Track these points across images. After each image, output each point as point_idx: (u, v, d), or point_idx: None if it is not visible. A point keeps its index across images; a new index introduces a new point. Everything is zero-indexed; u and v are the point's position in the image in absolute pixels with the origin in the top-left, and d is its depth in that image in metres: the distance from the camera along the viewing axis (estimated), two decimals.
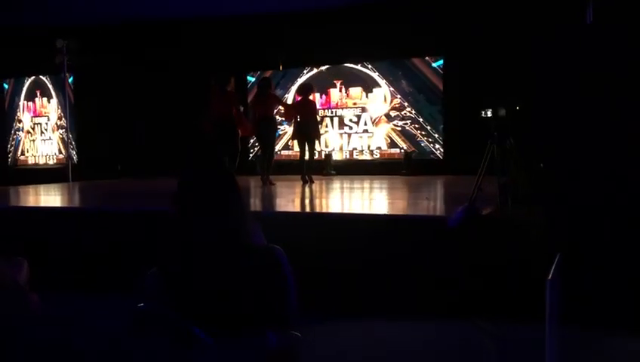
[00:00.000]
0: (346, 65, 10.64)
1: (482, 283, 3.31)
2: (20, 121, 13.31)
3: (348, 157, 10.79)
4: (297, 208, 5.53)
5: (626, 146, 3.41)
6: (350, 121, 10.73)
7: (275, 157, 8.61)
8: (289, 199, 6.41)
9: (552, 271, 0.97)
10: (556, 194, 3.96)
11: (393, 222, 4.19)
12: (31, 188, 8.56)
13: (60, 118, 12.74)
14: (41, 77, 12.93)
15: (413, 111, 10.23)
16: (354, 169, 10.38)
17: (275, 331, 1.67)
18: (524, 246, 3.52)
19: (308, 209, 5.48)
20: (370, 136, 10.62)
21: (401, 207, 5.37)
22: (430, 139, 10.14)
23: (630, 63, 3.51)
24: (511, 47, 8.02)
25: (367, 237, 4.00)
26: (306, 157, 8.19)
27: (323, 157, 10.37)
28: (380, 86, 10.47)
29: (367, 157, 10.66)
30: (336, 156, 10.78)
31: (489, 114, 4.12)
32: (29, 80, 13.10)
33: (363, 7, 9.68)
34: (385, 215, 4.55)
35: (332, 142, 10.86)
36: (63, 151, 12.57)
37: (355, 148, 10.74)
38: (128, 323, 1.74)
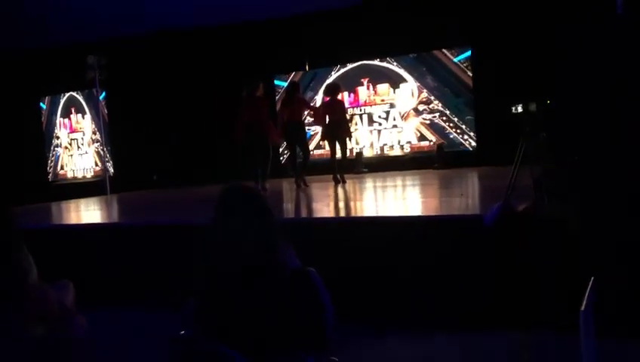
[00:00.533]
0: (372, 62, 10.64)
1: (519, 287, 3.26)
2: (57, 138, 13.78)
3: (379, 153, 10.78)
4: (330, 213, 5.54)
5: None
6: (379, 117, 10.72)
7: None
8: (324, 203, 6.44)
9: (584, 300, 0.95)
10: (591, 189, 3.86)
11: (427, 224, 4.16)
12: (72, 204, 8.81)
13: (94, 133, 13.09)
14: (74, 94, 13.33)
15: (440, 104, 10.20)
16: (385, 165, 10.37)
17: (314, 355, 1.69)
18: (561, 244, 3.46)
19: (342, 213, 5.49)
20: (400, 131, 10.59)
21: (435, 206, 5.33)
22: (458, 131, 10.10)
23: None
24: (540, 38, 7.83)
25: (400, 241, 3.99)
26: (338, 155, 8.20)
27: (354, 155, 10.37)
28: (406, 81, 10.44)
29: (397, 152, 10.63)
30: (367, 153, 10.78)
31: (519, 109, 4.04)
32: (64, 98, 13.53)
33: (388, 3, 9.67)
34: (419, 216, 4.52)
35: (362, 140, 10.86)
36: (100, 164, 12.91)
37: (386, 144, 10.72)
38: (169, 350, 1.79)
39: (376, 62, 10.64)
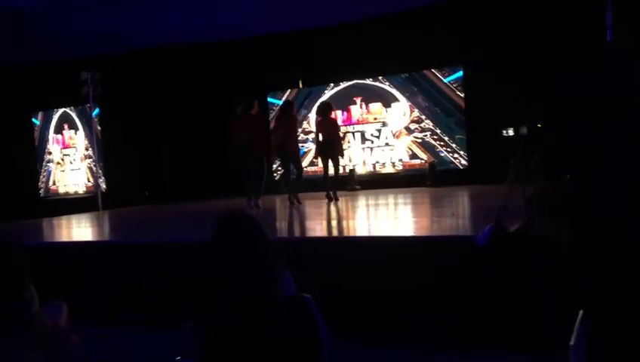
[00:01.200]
0: (364, 82, 10.78)
1: (512, 309, 3.29)
2: (50, 153, 13.75)
3: (371, 170, 10.86)
4: (323, 232, 5.57)
5: None
6: (372, 135, 10.83)
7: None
8: (316, 221, 6.47)
9: (574, 334, 0.97)
10: (582, 207, 3.89)
11: (419, 244, 4.18)
12: (64, 221, 8.77)
13: (87, 149, 13.09)
14: (67, 110, 13.36)
15: (431, 123, 10.34)
16: (378, 182, 10.44)
17: None
18: (554, 264, 3.49)
19: (335, 232, 5.52)
20: (392, 149, 10.69)
21: (426, 226, 5.37)
22: (449, 149, 10.22)
23: None
24: (531, 59, 7.98)
25: (392, 261, 4.01)
26: (331, 172, 8.26)
27: (347, 172, 10.44)
28: (398, 100, 10.58)
29: (390, 170, 10.72)
30: (360, 170, 10.85)
31: (510, 132, 4.09)
32: (57, 113, 13.55)
33: (381, 23, 9.80)
34: (410, 237, 4.56)
35: (355, 157, 10.94)
36: (92, 180, 12.88)
37: (378, 162, 10.81)
38: None
39: (369, 81, 10.77)
